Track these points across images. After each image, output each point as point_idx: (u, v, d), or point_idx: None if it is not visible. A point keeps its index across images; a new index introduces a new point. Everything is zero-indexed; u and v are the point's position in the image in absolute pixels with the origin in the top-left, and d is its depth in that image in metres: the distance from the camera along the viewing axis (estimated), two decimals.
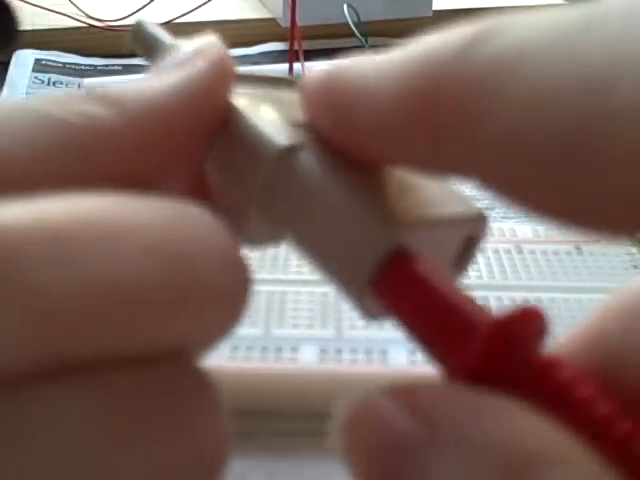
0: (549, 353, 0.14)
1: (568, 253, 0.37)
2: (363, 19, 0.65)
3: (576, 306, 0.34)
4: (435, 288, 0.14)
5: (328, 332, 0.32)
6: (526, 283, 0.35)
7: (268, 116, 0.17)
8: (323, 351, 0.32)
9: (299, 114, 0.17)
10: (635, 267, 0.36)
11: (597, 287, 0.35)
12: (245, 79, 0.19)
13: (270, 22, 0.70)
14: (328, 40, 0.69)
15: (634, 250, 0.37)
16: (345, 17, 0.65)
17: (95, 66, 0.64)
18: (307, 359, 0.31)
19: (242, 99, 0.18)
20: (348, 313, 0.33)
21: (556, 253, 0.37)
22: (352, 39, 0.66)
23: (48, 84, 0.61)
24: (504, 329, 0.13)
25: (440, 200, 0.16)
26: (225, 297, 0.13)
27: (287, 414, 0.30)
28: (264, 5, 0.74)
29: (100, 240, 0.12)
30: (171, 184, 0.17)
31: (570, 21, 0.12)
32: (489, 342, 0.13)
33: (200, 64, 0.17)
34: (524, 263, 0.36)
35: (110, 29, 0.65)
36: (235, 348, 0.31)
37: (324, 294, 0.34)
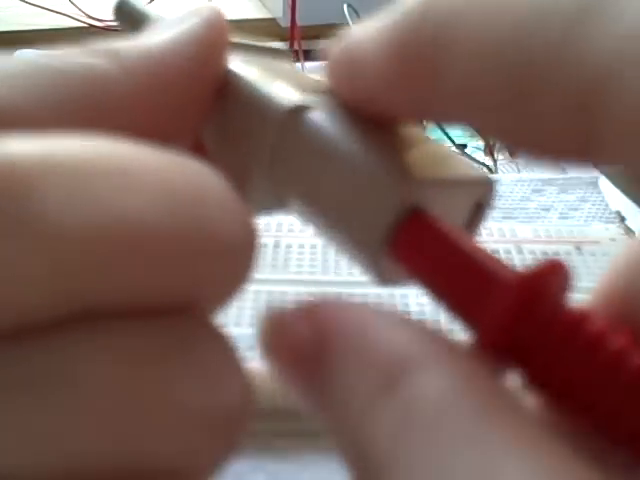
0: (577, 307, 0.13)
1: (568, 253, 0.37)
2: (363, 19, 0.65)
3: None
4: (457, 245, 0.14)
5: None
6: None
7: (269, 79, 0.17)
8: None
9: (298, 80, 0.17)
10: None
11: None
12: (238, 47, 0.18)
13: (270, 22, 0.70)
14: (328, 40, 0.69)
15: None
16: (345, 17, 0.65)
17: None
18: None
19: (239, 64, 0.17)
20: None
21: (556, 253, 0.37)
22: None
23: None
24: (531, 284, 0.13)
25: (451, 163, 0.16)
26: (236, 247, 0.13)
27: (287, 414, 0.30)
28: (264, 5, 0.74)
29: (117, 177, 0.12)
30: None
31: None
32: (517, 297, 0.13)
33: (197, 19, 0.17)
34: (524, 263, 0.36)
35: (110, 29, 0.65)
36: (235, 348, 0.31)
37: (324, 294, 0.34)
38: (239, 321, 0.33)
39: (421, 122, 0.15)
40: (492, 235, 0.37)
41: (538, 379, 0.13)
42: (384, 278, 0.15)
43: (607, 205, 0.46)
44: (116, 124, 0.15)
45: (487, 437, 0.11)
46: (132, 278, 0.12)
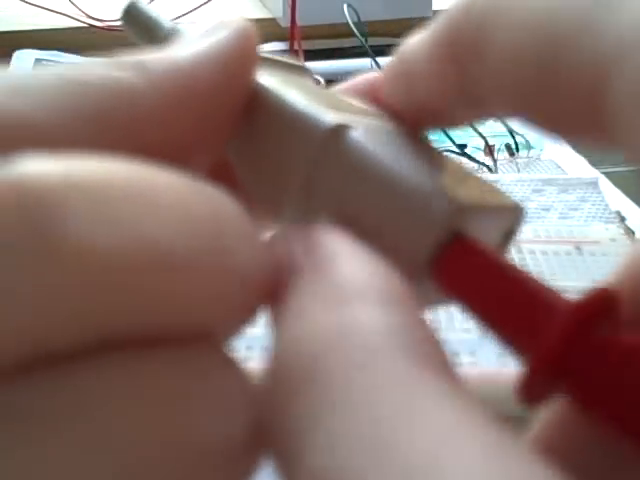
0: (628, 335, 0.13)
1: (568, 253, 0.37)
2: (363, 19, 0.66)
3: None
4: (503, 270, 0.14)
5: None
6: None
7: (304, 95, 0.16)
8: None
9: (330, 98, 0.17)
10: None
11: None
12: (264, 61, 0.18)
13: (270, 22, 0.70)
14: (328, 40, 0.69)
15: None
16: (345, 17, 0.65)
17: None
18: None
19: (269, 79, 0.17)
20: None
21: (556, 253, 0.37)
22: (352, 39, 0.66)
23: None
24: (583, 312, 0.13)
25: (488, 190, 0.16)
26: (251, 273, 0.13)
27: None
28: (264, 5, 0.74)
29: (137, 200, 0.12)
30: (192, 166, 0.16)
31: None
32: (570, 325, 0.13)
33: (226, 32, 0.16)
34: (524, 263, 0.36)
35: (110, 29, 0.65)
36: (235, 348, 0.31)
37: None
38: None
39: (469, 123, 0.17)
40: None
41: (590, 404, 0.13)
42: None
43: (607, 205, 0.46)
44: (143, 138, 0.14)
45: (413, 380, 0.11)
46: (151, 303, 0.12)
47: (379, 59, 0.63)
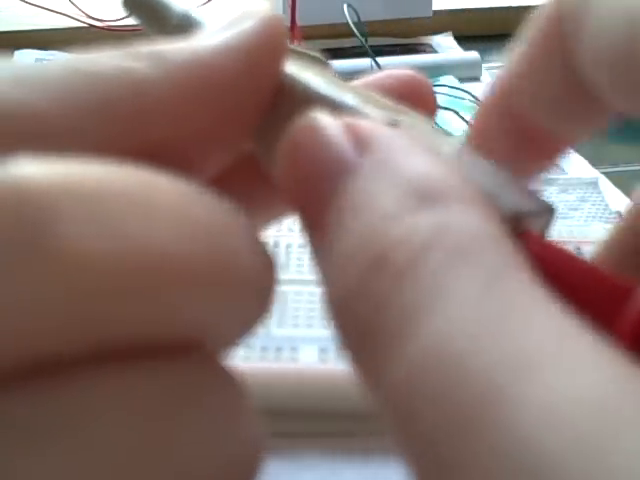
0: None
1: None
2: (363, 19, 0.66)
3: None
4: (573, 258, 0.14)
5: (328, 332, 0.32)
6: None
7: (337, 89, 0.16)
8: (323, 351, 0.32)
9: (362, 92, 0.16)
10: None
11: None
12: (290, 53, 0.17)
13: None
14: (328, 40, 0.69)
15: None
16: (345, 17, 0.65)
17: None
18: (307, 359, 0.31)
19: (301, 71, 0.16)
20: None
21: None
22: (352, 39, 0.66)
23: None
24: None
25: (531, 193, 0.17)
26: (252, 283, 0.13)
27: (287, 414, 0.30)
28: None
29: (137, 205, 0.11)
30: (206, 168, 0.16)
31: None
32: None
33: (252, 23, 0.15)
34: None
35: (110, 29, 0.65)
36: (235, 348, 0.31)
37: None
38: None
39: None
40: None
41: None
42: None
43: (607, 205, 0.46)
44: (153, 131, 0.14)
45: (517, 278, 0.11)
46: (148, 309, 0.11)
47: (379, 59, 0.63)
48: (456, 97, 0.59)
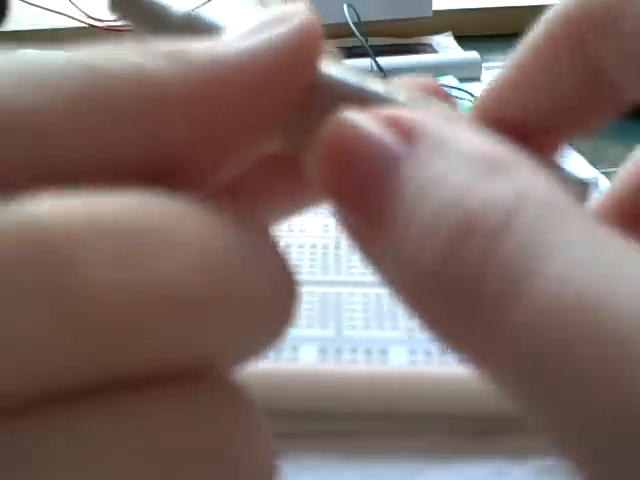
0: None
1: None
2: (363, 19, 0.66)
3: None
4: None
5: (328, 332, 0.32)
6: None
7: (373, 83, 0.16)
8: (323, 351, 0.32)
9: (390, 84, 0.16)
10: None
11: None
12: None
13: None
14: (328, 40, 0.69)
15: None
16: (345, 17, 0.65)
17: None
18: (307, 359, 0.31)
19: (337, 68, 0.16)
20: (348, 313, 0.33)
21: None
22: (352, 39, 0.66)
23: None
24: None
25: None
26: (272, 313, 0.13)
27: (287, 414, 0.30)
28: (264, 5, 0.74)
29: (155, 243, 0.11)
30: (222, 171, 0.15)
31: None
32: None
33: (285, 28, 0.15)
34: None
35: (110, 29, 0.65)
36: None
37: (324, 294, 0.34)
38: None
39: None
40: None
41: None
42: None
43: None
44: (166, 134, 0.13)
45: (601, 232, 0.12)
46: (163, 343, 0.11)
47: (379, 59, 0.63)
48: (456, 97, 0.59)
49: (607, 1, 0.16)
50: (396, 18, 0.72)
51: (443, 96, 0.18)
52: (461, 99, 0.59)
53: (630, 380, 0.10)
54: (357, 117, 0.13)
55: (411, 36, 0.75)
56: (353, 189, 0.13)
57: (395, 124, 0.13)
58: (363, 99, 0.15)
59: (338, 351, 0.31)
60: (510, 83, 0.18)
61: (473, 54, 0.69)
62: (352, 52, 0.68)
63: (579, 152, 0.55)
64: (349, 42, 0.66)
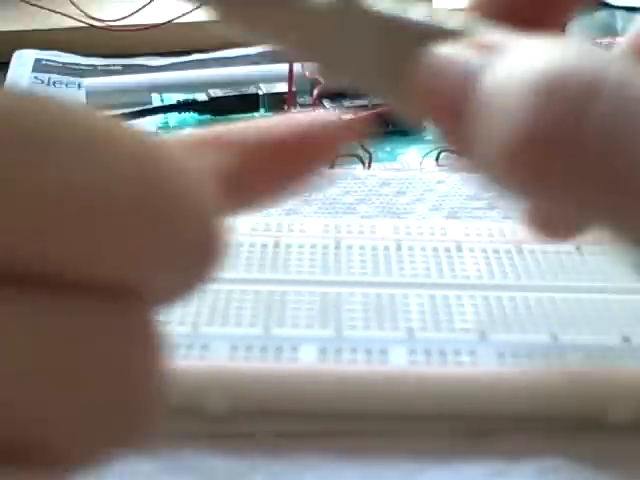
0: None
1: (568, 253, 0.37)
2: None
3: (576, 306, 0.34)
4: None
5: (328, 332, 0.32)
6: (526, 283, 0.35)
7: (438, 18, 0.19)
8: (323, 351, 0.31)
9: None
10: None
11: (597, 287, 0.35)
12: None
13: None
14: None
15: None
16: None
17: (95, 66, 0.64)
18: (307, 359, 0.31)
19: None
20: (348, 313, 0.33)
21: (557, 253, 0.37)
22: None
23: (48, 84, 0.61)
24: None
25: None
26: (195, 246, 0.13)
27: (287, 414, 0.30)
28: None
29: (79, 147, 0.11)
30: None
31: None
32: None
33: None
34: (524, 263, 0.36)
35: (110, 29, 0.65)
36: (234, 348, 0.31)
37: (324, 294, 0.34)
38: (239, 321, 0.33)
39: None
40: (492, 235, 0.37)
41: None
42: None
43: None
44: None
45: None
46: (73, 247, 0.11)
47: None
48: None
49: None
50: None
51: None
52: None
53: None
54: (444, 49, 0.17)
55: None
56: (454, 94, 0.17)
57: (477, 45, 0.17)
58: (433, 34, 0.18)
59: (338, 351, 0.31)
60: None
61: None
62: None
63: None
64: None
